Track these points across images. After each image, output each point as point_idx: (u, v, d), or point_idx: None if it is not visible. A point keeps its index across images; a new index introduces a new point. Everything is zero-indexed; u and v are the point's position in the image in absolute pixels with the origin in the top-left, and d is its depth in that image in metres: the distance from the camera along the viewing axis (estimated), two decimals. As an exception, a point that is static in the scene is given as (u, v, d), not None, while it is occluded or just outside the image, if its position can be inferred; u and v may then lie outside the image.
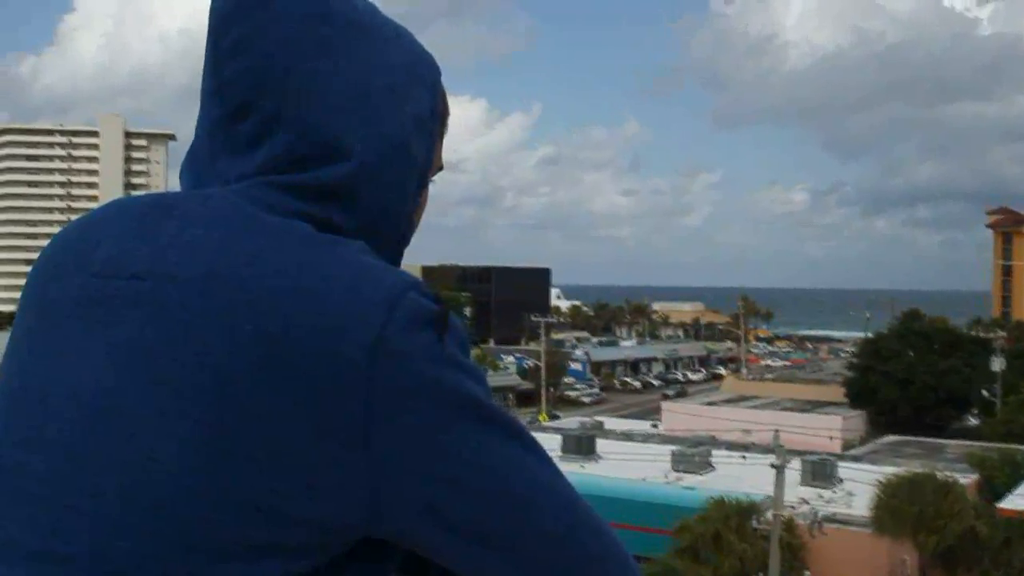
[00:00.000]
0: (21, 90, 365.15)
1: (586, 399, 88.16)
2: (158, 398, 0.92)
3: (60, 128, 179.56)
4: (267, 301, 0.92)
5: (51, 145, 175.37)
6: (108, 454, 0.92)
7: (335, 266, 0.96)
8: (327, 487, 0.91)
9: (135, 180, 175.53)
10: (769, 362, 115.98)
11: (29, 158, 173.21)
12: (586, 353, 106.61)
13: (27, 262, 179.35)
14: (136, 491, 0.91)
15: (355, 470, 0.91)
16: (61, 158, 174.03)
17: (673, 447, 38.81)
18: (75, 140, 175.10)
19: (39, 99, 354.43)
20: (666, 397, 70.91)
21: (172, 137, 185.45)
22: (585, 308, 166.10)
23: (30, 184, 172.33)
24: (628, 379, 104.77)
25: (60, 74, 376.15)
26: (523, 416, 70.52)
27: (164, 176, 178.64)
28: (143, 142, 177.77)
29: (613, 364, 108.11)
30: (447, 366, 0.95)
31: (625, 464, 34.81)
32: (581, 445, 39.15)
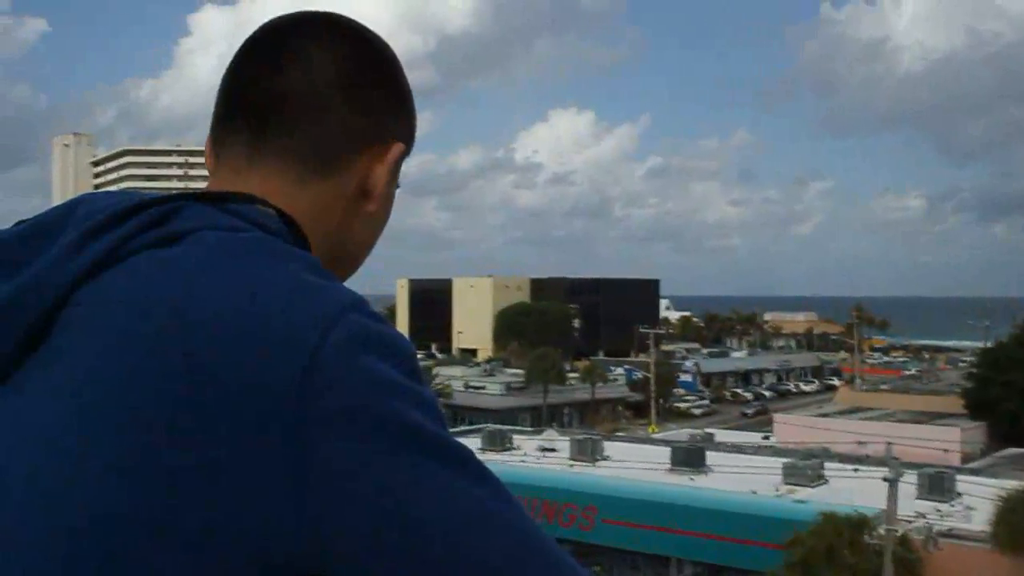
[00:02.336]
0: (141, 112, 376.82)
1: (696, 411, 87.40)
2: (84, 422, 0.88)
3: (178, 148, 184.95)
4: (197, 325, 0.88)
5: (169, 165, 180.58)
6: (31, 477, 0.88)
7: (270, 286, 0.90)
8: (257, 521, 0.85)
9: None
10: (884, 372, 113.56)
11: (148, 178, 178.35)
12: (696, 364, 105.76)
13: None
14: (57, 517, 0.86)
15: (286, 504, 0.85)
16: (179, 177, 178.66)
17: (785, 459, 38.24)
18: (191, 160, 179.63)
19: (158, 121, 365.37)
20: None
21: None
22: (695, 319, 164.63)
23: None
24: (739, 390, 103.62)
25: (178, 96, 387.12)
26: (634, 428, 70.32)
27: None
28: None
29: (724, 375, 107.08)
30: (388, 393, 0.89)
31: (735, 477, 34.46)
32: (690, 457, 38.86)
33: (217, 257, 0.93)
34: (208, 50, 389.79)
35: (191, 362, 0.86)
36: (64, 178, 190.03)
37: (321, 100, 1.10)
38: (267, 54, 1.11)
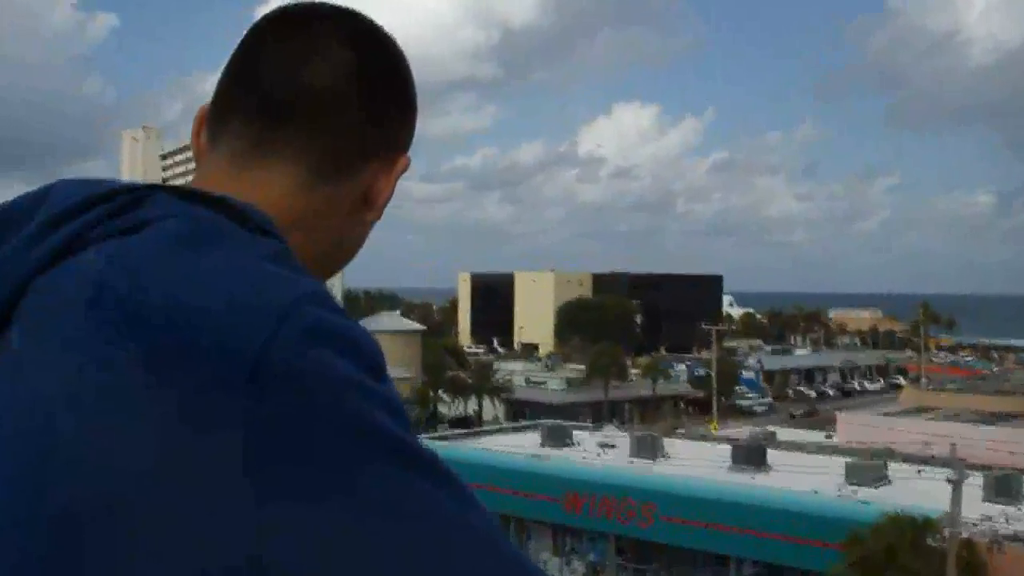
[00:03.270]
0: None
1: (758, 409, 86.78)
2: (35, 415, 0.85)
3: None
4: (144, 318, 0.84)
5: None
6: None
7: (222, 276, 0.86)
8: (208, 528, 0.80)
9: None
10: (951, 372, 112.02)
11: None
12: (759, 361, 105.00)
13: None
14: (10, 512, 0.83)
15: (236, 509, 0.79)
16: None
17: (847, 459, 37.88)
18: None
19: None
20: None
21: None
22: (758, 315, 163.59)
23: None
24: (802, 388, 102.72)
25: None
26: (695, 426, 69.96)
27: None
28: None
29: (786, 373, 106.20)
30: (346, 389, 0.83)
31: (797, 476, 34.20)
32: (751, 456, 38.63)
33: (172, 246, 0.89)
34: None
35: (136, 357, 0.82)
36: (133, 172, 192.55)
37: (341, 103, 1.05)
38: (291, 42, 1.06)
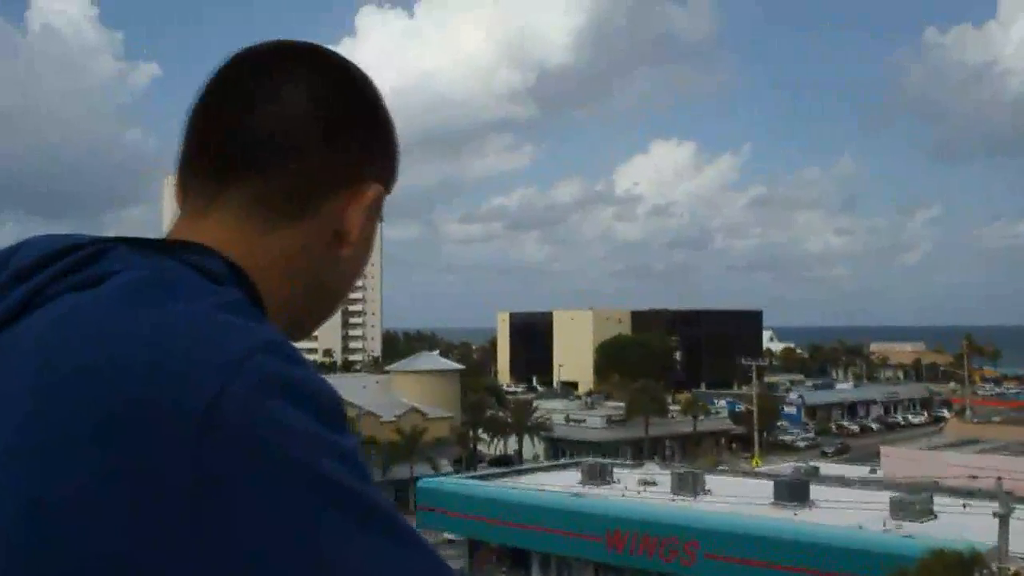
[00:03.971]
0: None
1: (800, 444, 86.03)
2: None
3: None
4: (93, 376, 0.82)
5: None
6: None
7: (172, 329, 0.84)
8: None
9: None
10: (996, 404, 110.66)
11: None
12: (800, 396, 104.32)
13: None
14: None
15: (186, 567, 0.78)
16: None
17: (892, 493, 37.44)
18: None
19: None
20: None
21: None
22: (799, 350, 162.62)
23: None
24: (845, 423, 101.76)
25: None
26: (736, 462, 69.42)
27: (379, 229, 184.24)
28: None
29: (829, 407, 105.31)
30: (300, 443, 0.81)
31: (840, 511, 33.82)
32: (794, 491, 38.26)
33: (123, 300, 0.87)
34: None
35: (86, 418, 0.81)
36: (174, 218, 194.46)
37: (293, 141, 1.03)
38: (236, 89, 1.04)
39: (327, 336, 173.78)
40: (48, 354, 0.85)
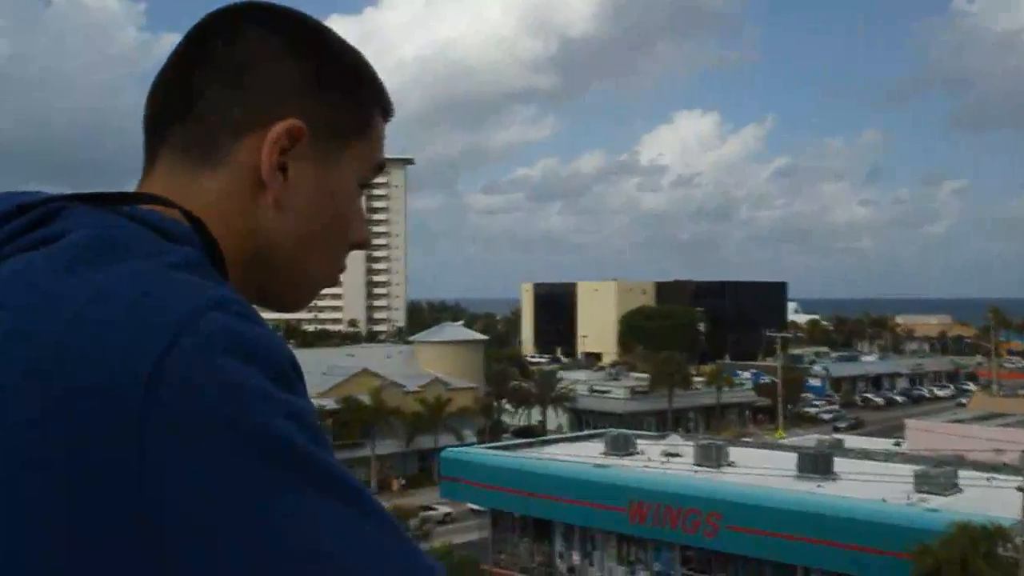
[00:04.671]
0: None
1: (825, 416, 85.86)
2: None
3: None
4: (39, 337, 0.80)
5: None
6: None
7: (120, 287, 0.82)
8: (107, 547, 0.77)
9: (376, 204, 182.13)
10: (1022, 377, 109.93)
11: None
12: (825, 368, 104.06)
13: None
14: None
15: (133, 527, 0.76)
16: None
17: (917, 467, 37.31)
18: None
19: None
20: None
21: (410, 161, 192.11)
22: (824, 322, 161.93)
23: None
24: (870, 395, 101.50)
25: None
26: (760, 434, 69.35)
27: (403, 199, 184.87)
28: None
29: (854, 380, 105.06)
30: (249, 400, 0.79)
31: (864, 484, 33.74)
32: (817, 464, 38.18)
33: (71, 260, 0.85)
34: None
35: (32, 378, 0.79)
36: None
37: (200, 86, 1.03)
38: (172, 51, 1.08)
39: (352, 306, 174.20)
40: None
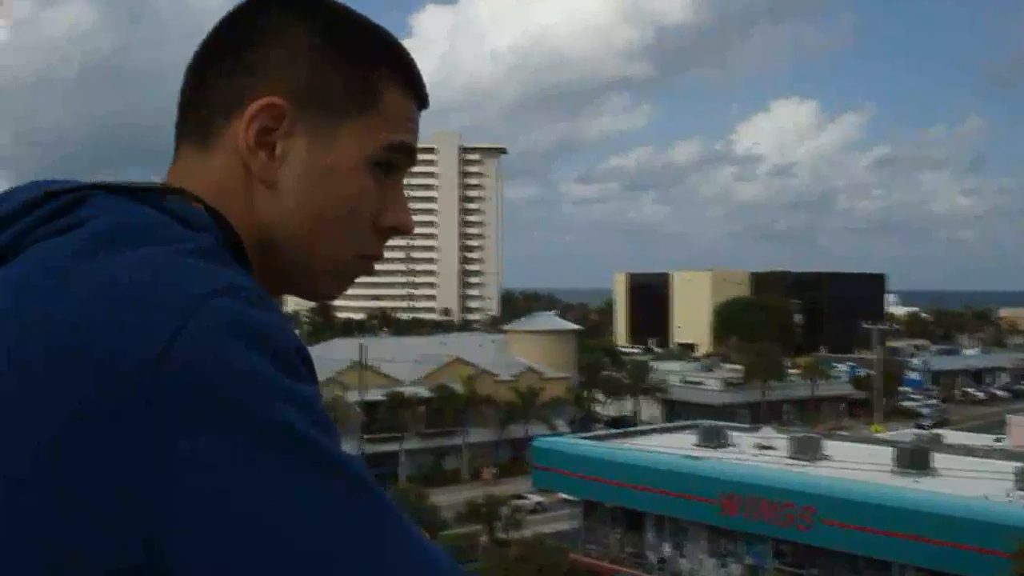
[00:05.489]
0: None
1: (924, 410, 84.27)
2: None
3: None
4: (58, 321, 0.83)
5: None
6: None
7: (134, 273, 0.85)
8: (111, 526, 0.78)
9: (469, 193, 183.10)
10: None
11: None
12: (924, 362, 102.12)
13: (373, 272, 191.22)
14: None
15: (137, 507, 0.78)
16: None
17: (1018, 463, 36.45)
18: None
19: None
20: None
21: (504, 151, 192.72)
22: (923, 315, 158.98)
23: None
24: (971, 390, 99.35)
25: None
26: (857, 427, 68.32)
27: (497, 189, 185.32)
28: (476, 156, 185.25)
29: (954, 374, 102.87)
30: (253, 385, 0.80)
31: (963, 480, 33.09)
32: (915, 459, 37.53)
33: (90, 247, 0.88)
34: (429, 48, 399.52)
35: (51, 358, 0.81)
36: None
37: (201, 71, 1.06)
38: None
39: (446, 295, 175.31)
40: (13, 302, 0.86)
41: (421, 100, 1.13)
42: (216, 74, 1.05)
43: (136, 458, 0.78)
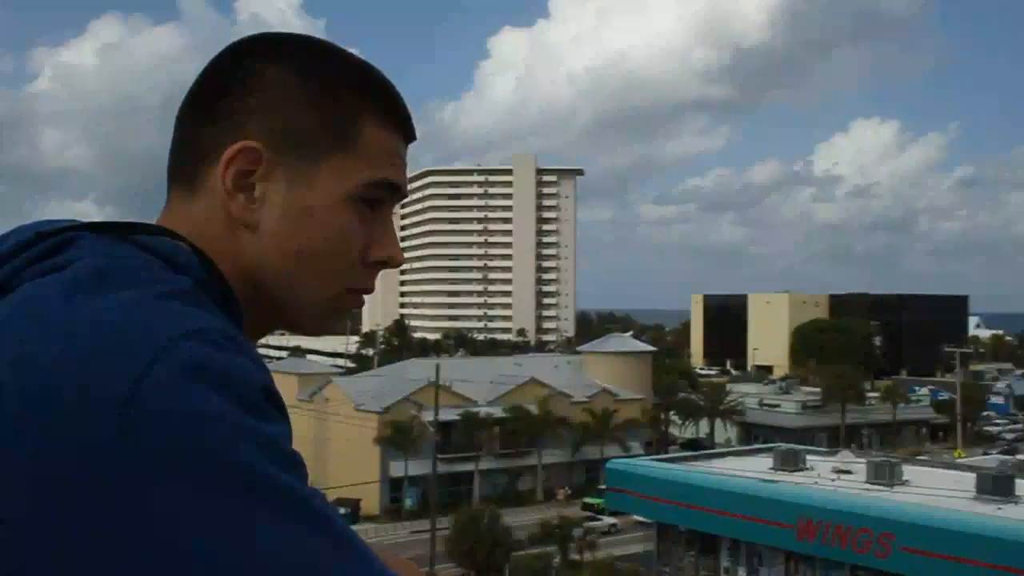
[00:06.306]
0: (444, 134, 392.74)
1: (1008, 435, 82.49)
2: None
3: (477, 168, 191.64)
4: (35, 360, 0.84)
5: (469, 184, 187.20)
6: None
7: (102, 316, 0.86)
8: (72, 565, 0.79)
9: (546, 215, 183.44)
10: None
11: (450, 196, 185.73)
12: (1009, 386, 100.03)
13: (449, 293, 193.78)
14: None
15: (100, 547, 0.79)
16: (478, 196, 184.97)
17: (1109, 492, 35.52)
18: (491, 179, 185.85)
19: (459, 141, 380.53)
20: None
21: (580, 172, 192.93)
22: (1008, 338, 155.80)
23: (451, 221, 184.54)
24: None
25: (478, 117, 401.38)
26: (938, 452, 67.07)
27: (573, 210, 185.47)
28: (553, 178, 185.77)
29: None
30: (215, 426, 0.81)
31: (1049, 508, 32.30)
32: (998, 485, 36.72)
33: (70, 289, 0.89)
34: (506, 71, 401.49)
35: (27, 402, 0.82)
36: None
37: (183, 120, 1.10)
38: None
39: (521, 316, 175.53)
40: None
41: (406, 134, 1.14)
42: (200, 120, 1.08)
43: (101, 500, 0.78)
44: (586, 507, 57.33)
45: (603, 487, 60.88)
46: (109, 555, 0.78)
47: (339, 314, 1.14)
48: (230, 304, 1.00)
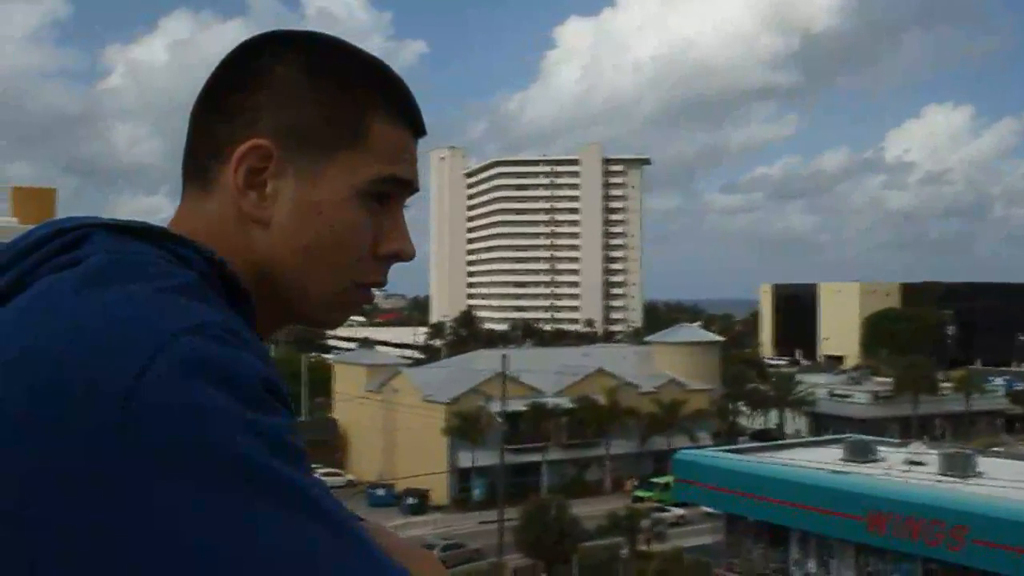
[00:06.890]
0: (510, 125, 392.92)
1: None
2: None
3: (544, 158, 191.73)
4: (44, 353, 0.85)
5: (536, 175, 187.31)
6: None
7: (106, 310, 0.87)
8: (73, 561, 0.80)
9: (613, 204, 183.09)
10: None
11: (517, 187, 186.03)
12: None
13: (516, 284, 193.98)
14: None
15: (104, 543, 0.79)
16: (545, 186, 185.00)
17: None
18: (557, 169, 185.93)
19: (525, 132, 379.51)
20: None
21: (647, 162, 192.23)
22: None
23: (518, 212, 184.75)
24: None
25: (544, 107, 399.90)
26: (1014, 444, 65.84)
27: (639, 200, 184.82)
28: (619, 168, 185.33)
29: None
30: (214, 419, 0.82)
31: None
32: (1075, 478, 36.04)
33: (79, 284, 0.91)
34: (571, 61, 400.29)
35: (34, 395, 0.83)
36: (440, 188, 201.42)
37: (196, 118, 1.12)
38: None
39: (589, 306, 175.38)
40: (4, 340, 0.88)
41: (416, 130, 1.16)
42: (212, 119, 1.10)
43: (102, 496, 0.79)
44: (636, 500, 57.00)
45: (653, 480, 61.00)
46: (111, 552, 0.78)
47: (348, 308, 1.15)
48: (241, 299, 1.01)
